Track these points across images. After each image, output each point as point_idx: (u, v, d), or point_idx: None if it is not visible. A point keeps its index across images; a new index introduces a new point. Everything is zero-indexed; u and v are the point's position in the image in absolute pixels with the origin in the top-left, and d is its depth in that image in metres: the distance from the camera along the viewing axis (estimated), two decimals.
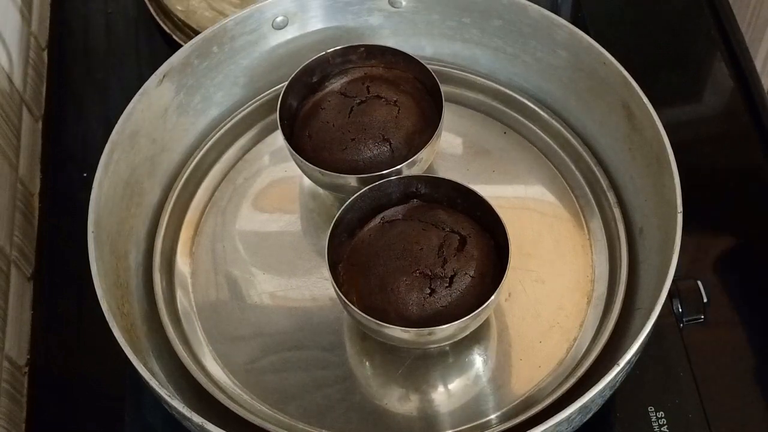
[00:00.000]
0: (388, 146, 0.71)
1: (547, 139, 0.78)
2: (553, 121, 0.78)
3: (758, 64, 1.04)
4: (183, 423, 0.61)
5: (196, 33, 0.80)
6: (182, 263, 0.74)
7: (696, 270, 0.75)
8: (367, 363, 0.70)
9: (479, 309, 0.62)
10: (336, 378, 0.69)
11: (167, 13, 0.91)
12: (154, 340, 0.69)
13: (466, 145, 0.80)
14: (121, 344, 0.61)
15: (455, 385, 0.69)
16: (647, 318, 0.60)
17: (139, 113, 0.72)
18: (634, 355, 0.60)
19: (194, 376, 0.68)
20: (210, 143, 0.79)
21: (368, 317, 0.62)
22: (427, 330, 0.62)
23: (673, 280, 0.61)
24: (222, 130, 0.79)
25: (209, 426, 0.58)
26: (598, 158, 0.76)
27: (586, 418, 0.63)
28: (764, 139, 0.83)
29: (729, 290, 0.76)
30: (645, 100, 0.69)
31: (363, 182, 0.69)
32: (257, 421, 0.66)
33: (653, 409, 0.70)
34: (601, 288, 0.71)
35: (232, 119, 0.80)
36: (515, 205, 0.76)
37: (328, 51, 0.75)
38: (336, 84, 0.75)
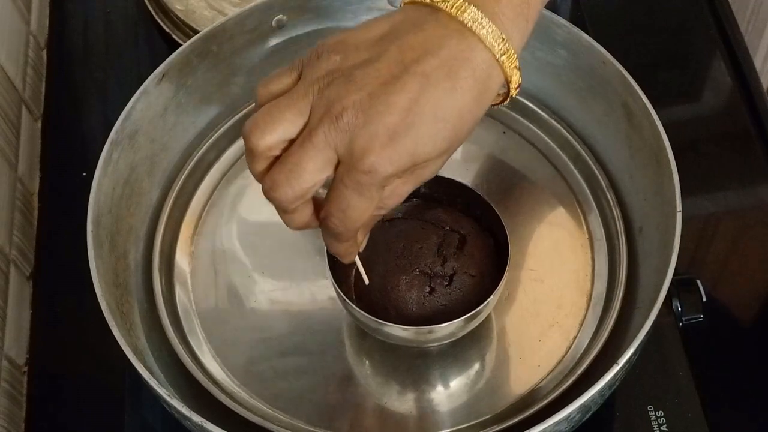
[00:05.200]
0: None
1: (547, 139, 0.78)
2: (553, 121, 0.78)
3: (758, 64, 1.04)
4: (182, 422, 0.61)
5: (196, 32, 0.80)
6: (182, 262, 0.74)
7: (695, 269, 0.75)
8: (366, 361, 0.70)
9: (478, 308, 0.62)
10: (335, 376, 0.69)
11: (166, 13, 0.91)
12: (153, 339, 0.69)
13: (466, 145, 0.79)
14: (120, 344, 0.61)
15: (455, 383, 0.69)
16: (647, 317, 0.60)
17: (139, 113, 0.72)
18: (634, 354, 0.60)
19: (194, 375, 0.68)
20: (209, 142, 0.78)
21: (368, 316, 0.62)
22: (426, 328, 0.62)
23: (672, 279, 0.61)
24: (221, 130, 0.79)
25: (208, 425, 0.58)
26: (597, 158, 0.76)
27: (586, 417, 0.63)
28: (764, 139, 0.83)
29: (728, 289, 0.76)
30: (644, 99, 0.69)
31: None
32: (256, 420, 0.66)
33: (652, 408, 0.70)
34: (601, 287, 0.71)
35: (231, 118, 0.79)
36: (514, 204, 0.76)
37: None
38: None
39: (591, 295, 0.71)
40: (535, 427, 0.57)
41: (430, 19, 0.52)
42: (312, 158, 0.51)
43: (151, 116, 0.74)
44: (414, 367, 0.69)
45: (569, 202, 0.76)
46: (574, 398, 0.58)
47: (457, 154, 0.79)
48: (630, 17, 0.93)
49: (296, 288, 0.73)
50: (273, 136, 0.52)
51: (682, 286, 0.73)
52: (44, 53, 0.95)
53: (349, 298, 0.64)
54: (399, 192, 0.54)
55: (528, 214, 0.75)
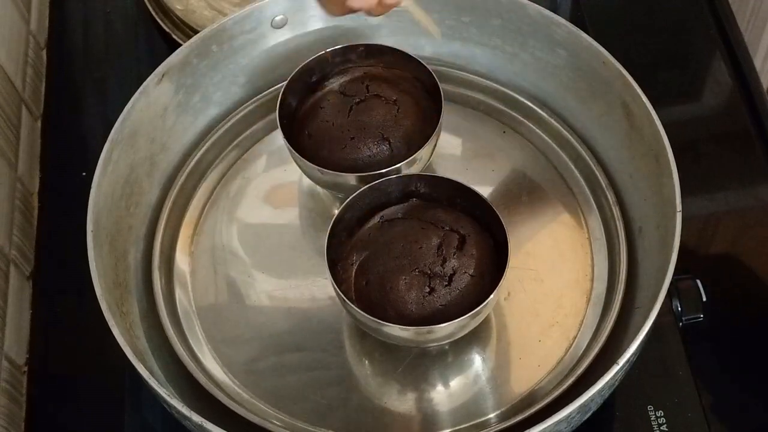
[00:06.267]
0: (388, 145, 0.71)
1: (546, 139, 0.78)
2: (552, 121, 0.78)
3: (757, 63, 1.04)
4: (182, 422, 0.61)
5: (195, 32, 0.80)
6: (181, 262, 0.74)
7: (695, 269, 0.75)
8: (366, 362, 0.70)
9: (478, 308, 0.62)
10: (335, 377, 0.69)
11: (166, 12, 0.91)
12: (153, 339, 0.69)
13: (466, 145, 0.80)
14: (120, 344, 0.61)
15: (455, 383, 0.69)
16: (646, 317, 0.60)
17: (138, 112, 0.72)
18: (634, 354, 0.60)
19: (193, 375, 0.68)
20: (209, 142, 0.79)
21: (367, 316, 0.62)
22: (426, 328, 0.62)
23: (672, 279, 0.61)
24: (221, 130, 0.79)
25: (208, 425, 0.58)
26: (597, 157, 0.76)
27: (586, 417, 0.63)
28: (763, 139, 0.83)
29: (728, 289, 0.76)
30: (644, 99, 0.69)
31: (362, 181, 0.69)
32: (256, 420, 0.66)
33: (652, 408, 0.70)
34: (601, 287, 0.71)
35: (231, 118, 0.80)
36: (514, 204, 0.76)
37: (328, 50, 0.75)
38: (335, 83, 0.75)
39: (591, 294, 0.71)
40: (535, 427, 0.57)
41: None
42: None
43: (151, 116, 0.74)
44: (414, 367, 0.69)
45: (569, 202, 0.76)
46: (574, 398, 0.58)
47: (457, 154, 0.79)
48: (630, 17, 0.93)
49: (296, 288, 0.73)
50: None
51: (682, 286, 0.73)
52: (44, 53, 0.95)
53: (348, 298, 0.64)
54: None
55: (528, 214, 0.75)
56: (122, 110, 0.71)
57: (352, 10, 0.66)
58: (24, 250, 0.82)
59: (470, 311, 0.62)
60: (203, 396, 0.67)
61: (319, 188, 0.76)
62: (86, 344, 0.76)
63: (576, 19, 0.88)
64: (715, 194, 0.82)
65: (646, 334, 0.60)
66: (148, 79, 0.72)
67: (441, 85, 0.72)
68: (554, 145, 0.78)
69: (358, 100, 0.73)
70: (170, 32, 0.91)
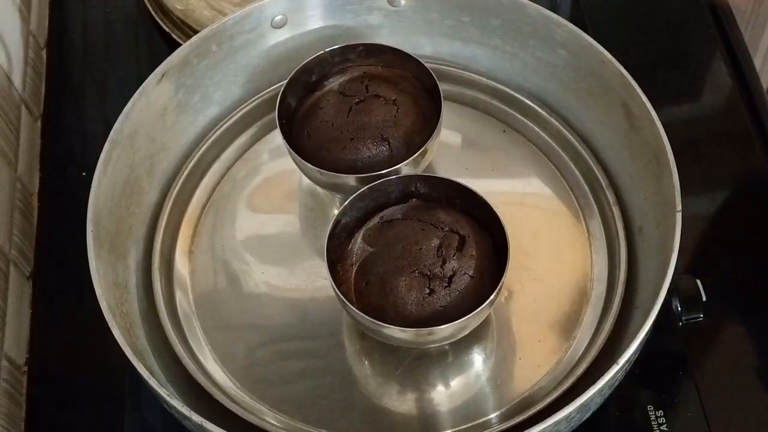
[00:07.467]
0: (387, 145, 0.71)
1: (547, 138, 0.78)
2: (553, 120, 0.78)
3: (757, 64, 1.04)
4: (182, 422, 0.61)
5: (195, 32, 0.80)
6: (181, 262, 0.74)
7: (695, 268, 0.75)
8: (366, 362, 0.70)
9: (478, 308, 0.62)
10: (335, 377, 0.69)
11: (166, 12, 0.91)
12: (153, 339, 0.69)
13: (465, 144, 0.80)
14: (120, 344, 0.61)
15: (455, 384, 0.69)
16: (646, 317, 0.60)
17: (138, 112, 0.72)
18: (633, 353, 0.60)
19: (193, 375, 0.68)
20: (209, 142, 0.79)
21: (367, 317, 0.62)
22: (426, 330, 0.62)
23: (672, 279, 0.61)
24: (221, 129, 0.79)
25: (208, 425, 0.58)
26: (597, 157, 0.76)
27: (586, 417, 0.63)
28: (763, 139, 0.83)
29: (728, 289, 0.76)
30: (644, 99, 0.69)
31: (362, 182, 0.69)
32: (256, 421, 0.66)
33: (652, 408, 0.70)
34: (600, 287, 0.71)
35: (231, 118, 0.80)
36: (514, 204, 0.76)
37: (327, 50, 0.75)
38: (335, 83, 0.75)
39: (590, 294, 0.71)
40: (534, 426, 0.57)
41: None
42: None
43: (151, 116, 0.74)
44: (414, 367, 0.69)
45: (569, 202, 0.76)
46: (573, 398, 0.58)
47: (457, 154, 0.79)
48: (630, 17, 0.93)
49: (296, 288, 0.73)
50: None
51: (682, 286, 0.73)
52: (44, 53, 0.95)
53: (348, 300, 0.64)
54: None
55: (527, 214, 0.75)
56: (122, 110, 0.71)
57: None
58: (24, 250, 0.82)
59: (470, 312, 0.62)
60: (203, 396, 0.67)
61: (318, 188, 0.76)
62: (86, 344, 0.76)
63: (576, 19, 0.88)
64: (715, 194, 0.81)
65: (646, 334, 0.60)
66: (148, 79, 0.72)
67: (441, 85, 0.72)
68: (554, 145, 0.78)
69: (357, 100, 0.73)
70: (170, 32, 0.91)
